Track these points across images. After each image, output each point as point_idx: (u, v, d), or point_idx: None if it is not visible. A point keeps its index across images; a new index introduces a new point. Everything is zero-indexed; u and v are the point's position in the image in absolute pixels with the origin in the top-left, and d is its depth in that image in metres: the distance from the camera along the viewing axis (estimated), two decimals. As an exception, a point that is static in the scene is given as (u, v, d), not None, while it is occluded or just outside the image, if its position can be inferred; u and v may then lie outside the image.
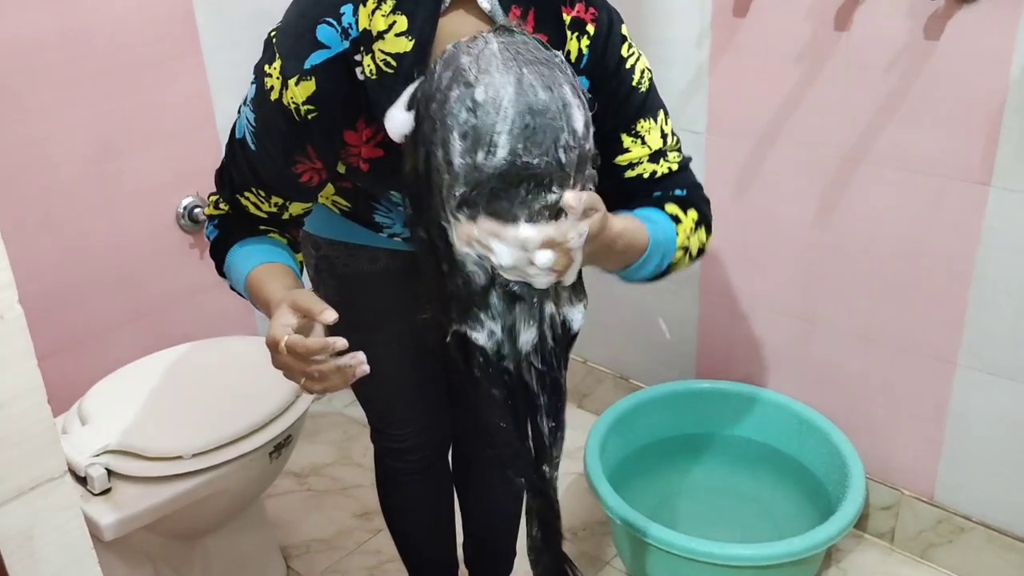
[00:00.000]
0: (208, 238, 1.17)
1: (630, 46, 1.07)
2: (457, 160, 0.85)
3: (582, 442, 1.85)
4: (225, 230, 1.14)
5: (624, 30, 1.07)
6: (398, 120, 0.93)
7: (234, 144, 1.10)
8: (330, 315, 0.95)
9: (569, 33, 1.02)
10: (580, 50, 1.03)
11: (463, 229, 0.87)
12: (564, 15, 1.01)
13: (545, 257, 0.86)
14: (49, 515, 0.65)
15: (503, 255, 0.87)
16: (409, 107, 0.92)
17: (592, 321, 2.20)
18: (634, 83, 1.06)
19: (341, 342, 0.94)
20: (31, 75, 1.67)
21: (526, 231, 0.86)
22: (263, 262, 1.10)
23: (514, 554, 1.63)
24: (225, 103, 1.96)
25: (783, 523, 1.83)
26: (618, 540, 1.82)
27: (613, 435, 1.89)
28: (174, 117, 1.91)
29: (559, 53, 0.90)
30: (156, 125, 1.88)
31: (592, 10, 1.03)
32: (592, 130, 0.89)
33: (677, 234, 1.08)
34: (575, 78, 0.89)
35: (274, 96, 1.01)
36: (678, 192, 1.11)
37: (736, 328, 1.96)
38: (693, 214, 1.10)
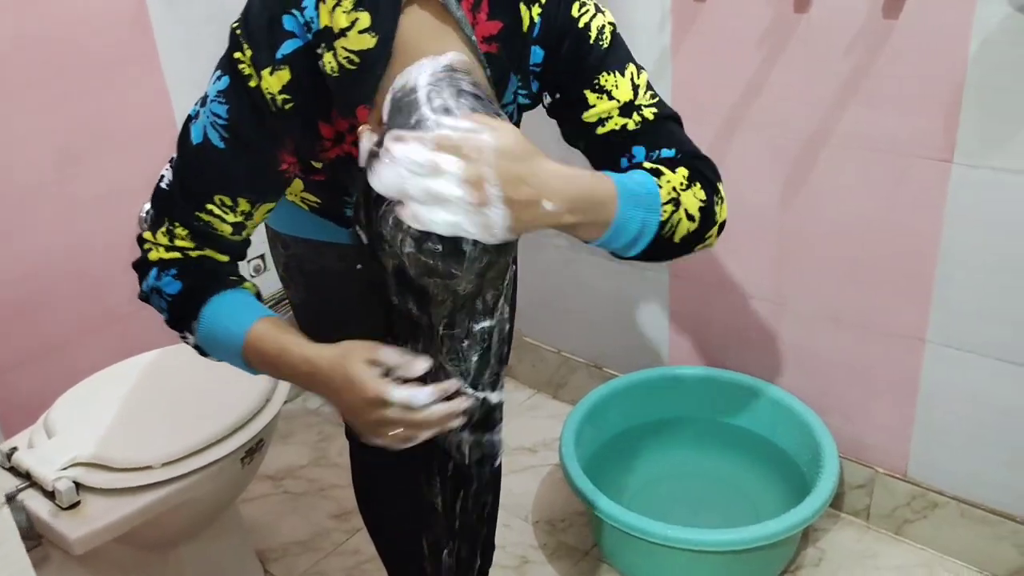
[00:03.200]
0: (163, 292, 1.03)
1: (582, 4, 1.06)
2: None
3: (558, 432, 1.85)
4: (192, 282, 1.04)
5: None
6: (364, 148, 0.93)
7: (190, 153, 1.03)
8: (421, 364, 0.93)
9: (523, 7, 1.02)
10: (532, 19, 1.03)
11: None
12: None
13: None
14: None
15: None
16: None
17: (565, 311, 2.23)
18: (592, 40, 1.05)
19: (453, 383, 0.94)
20: (-16, 82, 1.64)
21: None
22: (261, 316, 1.01)
23: (492, 547, 1.63)
24: (184, 105, 1.93)
25: (760, 505, 1.84)
26: (596, 530, 1.82)
27: (588, 424, 1.89)
28: (133, 120, 1.88)
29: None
30: (115, 129, 1.85)
31: None
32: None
33: (660, 186, 0.99)
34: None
35: (253, 83, 0.98)
36: (665, 153, 1.05)
37: (707, 313, 1.96)
38: (682, 170, 1.02)
